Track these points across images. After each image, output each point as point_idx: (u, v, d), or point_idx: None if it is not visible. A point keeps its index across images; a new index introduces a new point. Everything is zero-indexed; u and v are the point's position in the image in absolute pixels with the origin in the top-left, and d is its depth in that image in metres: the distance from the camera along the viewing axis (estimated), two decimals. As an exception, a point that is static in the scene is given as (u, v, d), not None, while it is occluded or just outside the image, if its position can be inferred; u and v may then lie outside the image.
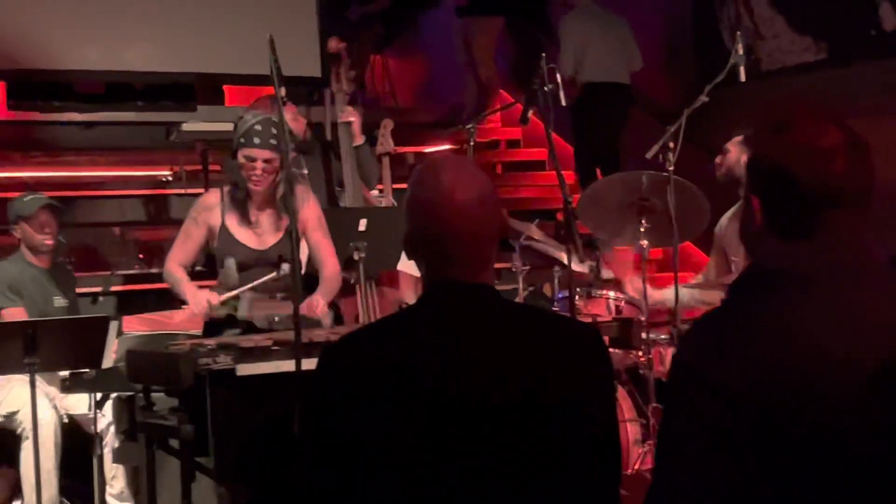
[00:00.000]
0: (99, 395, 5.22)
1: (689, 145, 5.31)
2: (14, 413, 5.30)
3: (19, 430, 5.28)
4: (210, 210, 4.76)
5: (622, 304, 5.53)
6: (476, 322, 2.09)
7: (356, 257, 4.98)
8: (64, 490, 5.33)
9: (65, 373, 5.19)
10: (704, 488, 1.75)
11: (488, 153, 10.06)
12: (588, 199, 5.50)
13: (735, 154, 5.31)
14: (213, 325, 4.72)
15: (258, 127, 4.59)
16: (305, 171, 5.64)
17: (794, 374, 1.74)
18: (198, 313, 4.59)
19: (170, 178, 8.57)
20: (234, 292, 4.63)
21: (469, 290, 2.11)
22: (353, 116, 5.79)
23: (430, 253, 2.13)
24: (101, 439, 5.37)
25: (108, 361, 5.04)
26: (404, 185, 2.27)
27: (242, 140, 4.61)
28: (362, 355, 2.09)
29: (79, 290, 5.99)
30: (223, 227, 4.71)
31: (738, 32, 5.99)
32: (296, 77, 7.05)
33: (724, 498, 1.75)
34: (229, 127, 4.99)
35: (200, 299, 4.56)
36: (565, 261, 4.96)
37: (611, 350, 5.06)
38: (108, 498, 5.37)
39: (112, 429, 5.37)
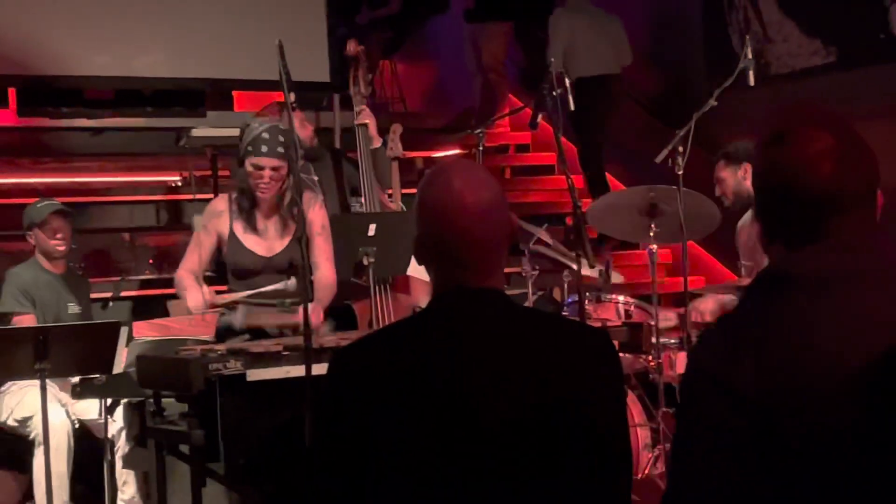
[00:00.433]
0: (109, 401, 5.23)
1: (699, 149, 5.31)
2: (28, 418, 5.31)
3: (32, 436, 5.29)
4: (219, 216, 4.77)
5: (632, 308, 5.53)
6: (486, 326, 2.09)
7: (366, 262, 4.97)
8: (74, 496, 5.34)
9: (75, 378, 5.20)
10: (719, 492, 1.75)
11: (497, 157, 10.06)
12: (599, 206, 5.55)
13: (729, 177, 5.36)
14: (224, 332, 4.73)
15: (265, 135, 4.59)
16: (316, 178, 5.63)
17: (808, 379, 1.73)
18: (194, 311, 4.58)
19: (179, 184, 8.58)
20: (238, 296, 4.64)
21: (479, 295, 2.11)
22: (368, 118, 5.79)
23: (440, 257, 2.13)
24: (112, 445, 5.37)
25: (118, 367, 5.04)
26: (413, 190, 2.27)
27: (250, 148, 4.61)
28: (372, 360, 2.09)
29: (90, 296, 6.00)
30: (231, 233, 4.72)
31: (747, 36, 6.00)
32: (305, 82, 7.05)
33: (737, 502, 1.74)
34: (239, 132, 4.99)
35: (198, 297, 4.56)
36: (574, 266, 4.96)
37: (620, 354, 5.06)
38: None
39: (122, 434, 5.38)
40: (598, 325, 5.21)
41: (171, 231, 8.08)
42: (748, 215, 5.44)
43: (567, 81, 5.12)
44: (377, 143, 5.83)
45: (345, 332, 4.74)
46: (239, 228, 4.72)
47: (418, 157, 9.22)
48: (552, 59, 5.38)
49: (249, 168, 4.62)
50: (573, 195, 4.82)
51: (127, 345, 5.26)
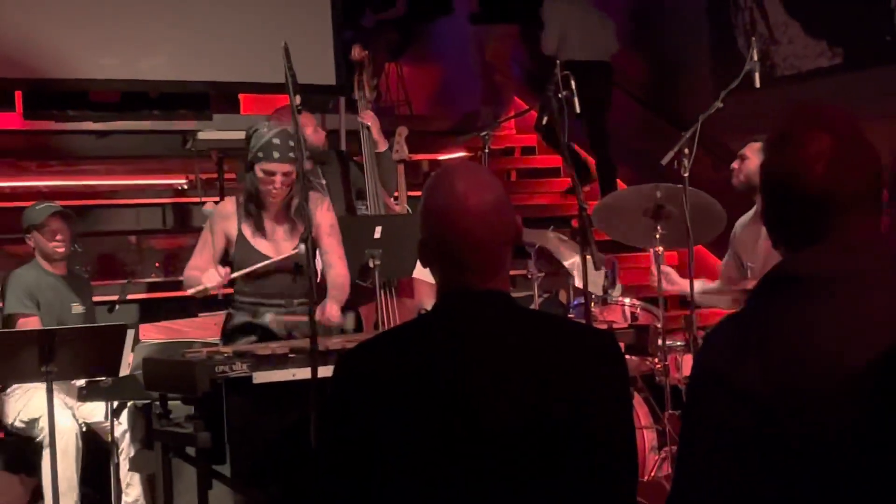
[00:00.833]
0: (115, 404, 5.24)
1: (705, 151, 5.30)
2: (35, 420, 5.31)
3: (39, 438, 5.29)
4: (227, 219, 4.76)
5: (638, 310, 5.52)
6: (491, 329, 2.09)
7: (372, 265, 4.97)
8: (81, 498, 5.34)
9: (81, 381, 5.20)
10: (721, 492, 1.75)
11: (503, 160, 10.07)
12: (604, 206, 5.54)
13: (754, 161, 5.28)
14: (231, 334, 4.74)
15: (276, 140, 4.56)
16: (324, 182, 5.63)
17: (808, 379, 1.74)
18: (212, 288, 4.56)
19: (185, 187, 8.59)
20: (249, 269, 4.63)
21: (484, 297, 2.11)
22: (369, 120, 5.78)
23: (444, 260, 2.13)
24: (118, 447, 5.38)
25: (125, 369, 5.05)
26: (419, 193, 2.27)
27: (261, 154, 4.57)
28: (378, 362, 2.10)
29: (95, 299, 5.99)
30: (240, 235, 4.71)
31: (753, 38, 5.98)
32: (311, 85, 7.06)
33: (739, 501, 1.74)
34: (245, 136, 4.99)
35: (213, 275, 4.54)
36: (579, 269, 4.95)
37: (627, 357, 5.05)
38: (124, 506, 5.39)
39: (128, 437, 5.39)
40: (604, 327, 5.22)
41: (178, 234, 8.09)
42: (749, 215, 5.43)
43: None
44: (382, 146, 5.82)
45: (350, 334, 4.75)
46: (248, 231, 4.72)
47: (424, 159, 9.23)
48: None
49: (260, 174, 4.59)
50: (579, 197, 4.81)
51: (133, 348, 5.26)
